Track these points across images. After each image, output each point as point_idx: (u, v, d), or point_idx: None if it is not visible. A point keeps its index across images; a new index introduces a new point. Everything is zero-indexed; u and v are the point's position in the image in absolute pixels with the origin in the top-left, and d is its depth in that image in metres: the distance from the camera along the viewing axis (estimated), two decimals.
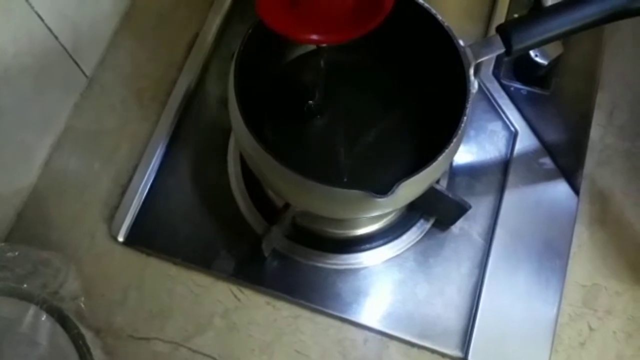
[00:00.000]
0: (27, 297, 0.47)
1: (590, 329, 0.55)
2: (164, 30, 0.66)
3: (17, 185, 0.58)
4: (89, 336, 0.48)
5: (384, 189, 0.40)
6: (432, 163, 0.42)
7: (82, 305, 0.52)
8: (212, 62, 0.64)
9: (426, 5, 0.48)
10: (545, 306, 0.54)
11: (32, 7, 0.51)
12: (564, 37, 0.47)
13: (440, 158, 0.42)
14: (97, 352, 0.48)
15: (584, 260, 0.57)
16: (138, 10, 0.67)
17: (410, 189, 0.44)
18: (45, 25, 0.53)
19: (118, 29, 0.66)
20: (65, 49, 0.57)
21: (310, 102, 0.51)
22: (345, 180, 0.50)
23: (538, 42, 0.46)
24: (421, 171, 0.42)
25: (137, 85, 0.64)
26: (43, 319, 0.46)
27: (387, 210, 0.47)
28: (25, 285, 0.48)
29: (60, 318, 0.47)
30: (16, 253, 0.50)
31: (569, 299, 0.56)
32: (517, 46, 0.46)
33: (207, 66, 0.64)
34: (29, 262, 0.50)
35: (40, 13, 0.52)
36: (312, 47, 0.55)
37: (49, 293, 0.49)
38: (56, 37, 0.55)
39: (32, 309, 0.46)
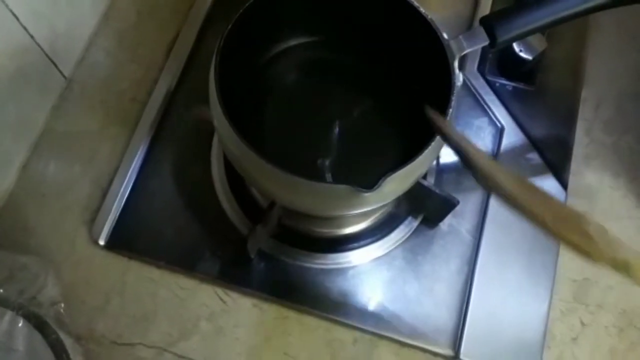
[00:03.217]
0: (2, 303, 0.46)
1: (582, 324, 0.55)
2: (144, 30, 0.65)
3: None
4: (69, 343, 0.47)
5: (370, 183, 0.40)
6: (418, 156, 0.41)
7: (62, 311, 0.51)
8: (193, 62, 0.63)
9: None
10: (536, 302, 0.54)
11: (7, 6, 0.50)
12: (548, 28, 0.47)
13: (427, 151, 0.42)
14: (77, 359, 0.47)
15: (574, 255, 0.57)
16: (117, 10, 0.66)
17: (396, 184, 0.43)
18: (21, 24, 0.52)
19: (97, 29, 0.65)
20: (42, 49, 0.56)
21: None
22: (330, 176, 0.49)
23: (522, 33, 0.46)
24: (407, 164, 0.41)
25: (117, 86, 0.62)
26: (20, 325, 0.45)
27: (374, 206, 0.46)
28: (0, 291, 0.47)
29: (38, 324, 0.46)
30: None
31: (559, 294, 0.55)
32: (502, 38, 0.46)
33: (188, 66, 0.63)
34: (5, 267, 0.49)
35: (15, 12, 0.51)
36: (293, 42, 0.54)
37: (27, 299, 0.48)
38: (32, 37, 0.54)
39: (8, 315, 0.45)
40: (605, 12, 0.48)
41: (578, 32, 0.65)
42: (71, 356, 0.47)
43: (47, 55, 0.57)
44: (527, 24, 0.46)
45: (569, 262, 0.56)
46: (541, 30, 0.47)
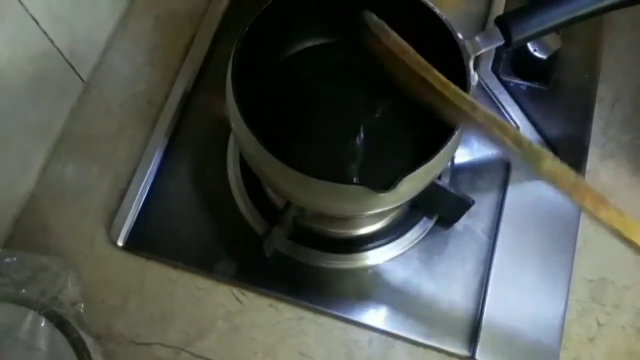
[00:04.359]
0: (25, 303, 0.46)
1: (599, 324, 0.54)
2: (160, 33, 0.66)
3: (14, 192, 0.57)
4: (89, 342, 0.48)
5: (386, 184, 0.40)
6: (434, 156, 0.42)
7: (82, 311, 0.51)
8: (209, 65, 0.64)
9: (425, 0, 0.48)
10: (553, 302, 0.54)
11: (27, 11, 0.51)
12: (564, 28, 0.47)
13: (443, 151, 0.42)
14: (98, 358, 0.48)
15: (590, 255, 0.56)
16: (135, 14, 0.67)
17: (412, 184, 0.43)
18: (41, 29, 0.53)
19: (115, 33, 0.65)
20: (61, 53, 0.57)
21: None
22: (346, 176, 0.50)
23: (537, 32, 0.46)
24: (423, 165, 0.41)
25: (135, 90, 0.63)
26: (42, 324, 0.46)
27: (390, 207, 0.46)
28: (23, 291, 0.47)
29: (60, 324, 0.47)
30: (14, 259, 0.49)
31: (576, 295, 0.55)
32: (517, 37, 0.46)
33: (204, 69, 0.63)
34: (28, 268, 0.49)
35: (36, 17, 0.52)
36: (309, 44, 0.55)
37: (48, 299, 0.48)
38: (52, 41, 0.55)
39: (31, 315, 0.46)
40: (620, 11, 0.48)
41: (593, 31, 0.64)
42: (92, 355, 0.47)
43: (66, 59, 0.58)
44: (542, 24, 0.46)
45: (585, 262, 0.56)
46: (556, 29, 0.47)
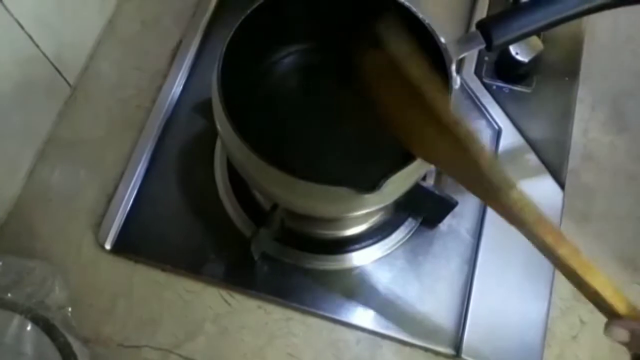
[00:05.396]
0: (11, 307, 0.47)
1: (582, 322, 0.55)
2: (148, 37, 0.66)
3: (0, 195, 0.57)
4: (77, 345, 0.48)
5: (371, 185, 0.40)
6: (417, 158, 0.42)
7: (69, 315, 0.51)
8: (196, 69, 0.64)
9: (407, 4, 0.48)
10: (536, 300, 0.55)
11: (12, 15, 0.51)
12: (544, 30, 0.48)
13: None
14: None
15: None
16: (122, 19, 0.67)
17: (396, 185, 0.44)
18: (26, 32, 0.53)
19: (102, 37, 0.66)
20: (47, 57, 0.57)
21: None
22: (331, 178, 0.50)
23: (518, 35, 0.47)
24: (407, 166, 0.42)
25: (122, 94, 0.63)
26: (28, 328, 0.46)
27: (374, 207, 0.47)
28: (9, 295, 0.47)
29: (46, 327, 0.47)
30: (0, 263, 0.49)
31: (559, 293, 0.56)
32: (498, 41, 0.47)
33: (191, 72, 0.64)
34: (13, 272, 0.50)
35: (20, 21, 0.52)
36: (294, 48, 0.55)
37: (35, 302, 0.49)
38: (37, 46, 0.55)
39: (17, 319, 0.46)
40: (600, 14, 0.48)
41: (573, 34, 0.66)
42: (79, 359, 0.47)
43: (52, 63, 0.58)
44: (522, 27, 0.47)
45: None
46: (537, 32, 0.48)
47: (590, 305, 0.56)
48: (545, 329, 0.54)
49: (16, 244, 0.57)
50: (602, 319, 0.55)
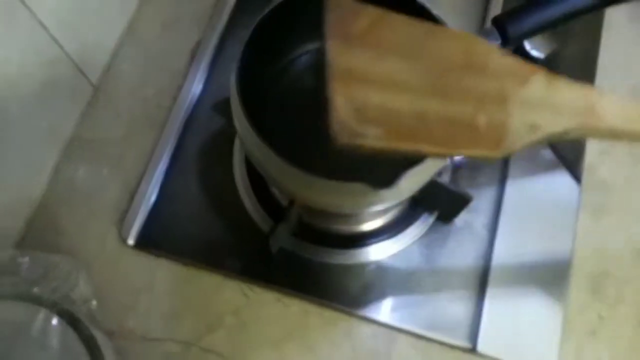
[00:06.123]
0: (37, 301, 0.47)
1: (600, 317, 0.55)
2: (167, 38, 0.67)
3: (26, 194, 0.59)
4: (100, 338, 0.49)
5: (387, 181, 0.41)
6: None
7: (94, 308, 0.52)
8: (215, 68, 0.65)
9: (422, 1, 0.49)
10: (553, 295, 0.55)
11: (36, 17, 0.52)
12: (560, 24, 0.48)
13: None
14: (108, 353, 0.49)
15: (590, 249, 0.57)
16: (142, 20, 0.68)
17: (412, 181, 0.44)
18: (50, 34, 0.55)
19: (123, 38, 0.67)
20: (70, 58, 0.58)
21: None
22: (348, 174, 0.51)
23: (534, 30, 0.47)
24: (423, 162, 0.43)
25: (143, 93, 0.65)
26: (54, 322, 0.46)
27: (390, 203, 0.47)
28: (35, 289, 0.48)
29: (72, 321, 0.47)
30: (26, 259, 0.50)
31: (577, 287, 0.56)
32: (513, 36, 0.47)
33: (210, 72, 0.65)
34: (39, 267, 0.50)
35: (45, 23, 0.53)
36: (311, 46, 0.56)
37: (60, 297, 0.49)
38: (61, 47, 0.57)
39: (43, 313, 0.46)
40: (617, 8, 0.49)
41: (590, 28, 0.65)
42: (103, 352, 0.49)
43: (75, 64, 0.60)
44: (538, 21, 0.47)
45: (585, 256, 0.57)
46: (553, 26, 0.48)
47: (609, 300, 0.56)
48: (563, 323, 0.54)
49: (42, 240, 0.58)
50: (621, 315, 0.55)
